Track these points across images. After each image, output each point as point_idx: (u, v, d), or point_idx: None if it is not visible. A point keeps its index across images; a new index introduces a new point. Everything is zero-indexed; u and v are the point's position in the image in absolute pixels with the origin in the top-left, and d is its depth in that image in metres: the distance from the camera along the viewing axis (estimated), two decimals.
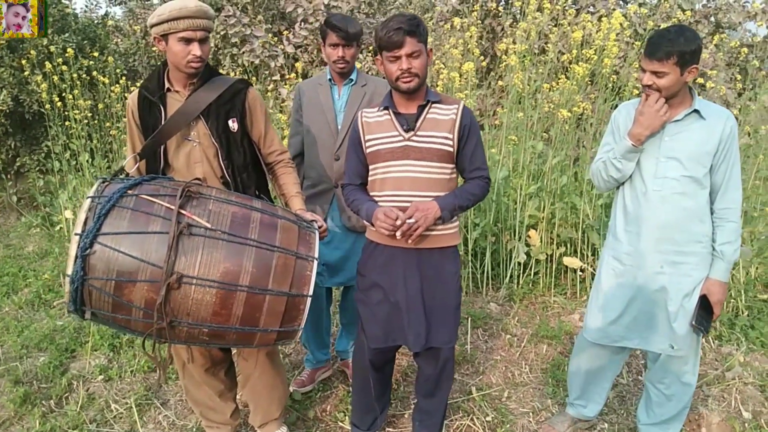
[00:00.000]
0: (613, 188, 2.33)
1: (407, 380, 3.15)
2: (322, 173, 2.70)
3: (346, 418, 2.79)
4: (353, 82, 2.70)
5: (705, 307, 2.19)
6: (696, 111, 2.10)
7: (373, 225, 2.13)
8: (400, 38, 1.99)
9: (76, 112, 5.50)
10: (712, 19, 6.22)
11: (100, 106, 5.84)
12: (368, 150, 2.21)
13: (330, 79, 2.72)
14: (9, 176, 6.86)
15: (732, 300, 3.79)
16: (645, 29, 5.32)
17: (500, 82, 5.46)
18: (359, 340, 2.38)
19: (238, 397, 2.56)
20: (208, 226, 1.74)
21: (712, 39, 5.14)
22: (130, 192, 1.76)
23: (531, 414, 2.85)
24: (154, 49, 7.28)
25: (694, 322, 2.17)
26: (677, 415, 2.44)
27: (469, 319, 3.78)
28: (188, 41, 2.00)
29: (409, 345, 2.24)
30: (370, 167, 2.24)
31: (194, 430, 2.73)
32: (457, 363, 3.31)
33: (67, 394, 3.05)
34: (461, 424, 2.77)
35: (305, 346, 3.17)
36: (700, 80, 3.92)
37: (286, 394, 2.51)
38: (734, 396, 2.96)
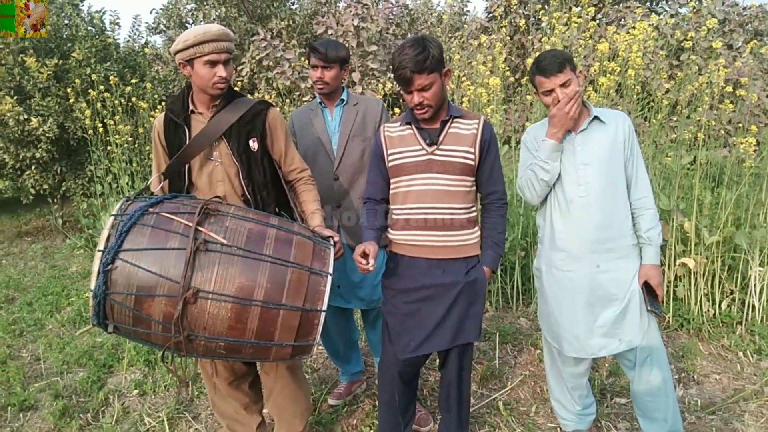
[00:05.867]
0: (543, 196, 2.39)
1: (434, 395, 3.14)
2: (322, 195, 2.60)
3: None
4: (344, 102, 2.75)
5: (649, 292, 2.30)
6: (596, 117, 2.28)
7: None
8: (408, 77, 2.05)
9: (117, 137, 5.73)
10: (749, 27, 6.08)
11: (140, 130, 6.07)
12: (391, 164, 2.27)
13: (321, 103, 2.77)
14: (55, 200, 7.18)
15: None
16: (677, 39, 5.23)
17: (528, 97, 5.45)
18: (386, 353, 2.40)
19: (264, 410, 2.61)
20: (224, 242, 1.80)
21: (747, 47, 5.03)
22: (151, 210, 1.84)
23: (559, 429, 2.80)
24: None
25: (649, 307, 2.27)
26: (675, 414, 2.39)
27: (498, 334, 3.75)
28: (213, 64, 2.09)
29: (435, 348, 2.26)
30: (393, 180, 2.29)
31: None
32: (485, 378, 3.29)
33: (103, 408, 3.16)
34: None
35: (336, 363, 3.21)
36: (729, 89, 3.84)
37: (309, 407, 2.53)
38: None
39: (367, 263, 2.03)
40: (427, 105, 2.11)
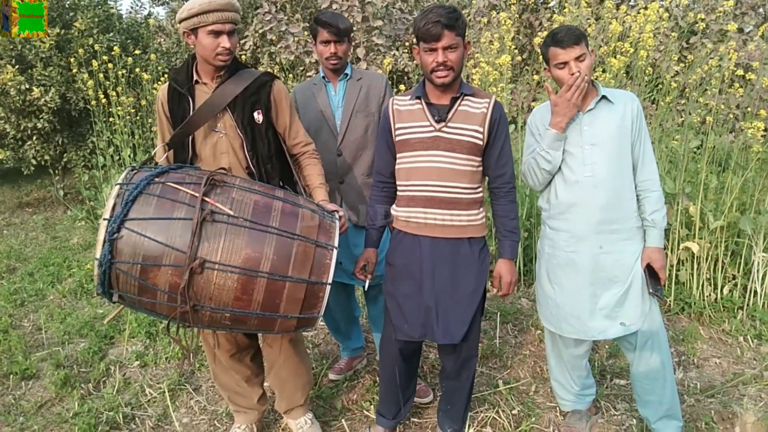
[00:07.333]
0: (546, 183, 2.37)
1: (434, 372, 3.16)
2: (326, 171, 2.52)
3: (372, 407, 2.82)
4: (348, 77, 2.70)
5: (651, 275, 2.28)
6: (604, 97, 2.24)
7: None
8: (438, 31, 2.00)
9: (120, 108, 5.68)
10: (761, 10, 6.00)
11: (143, 102, 6.02)
12: (397, 138, 2.23)
13: (324, 77, 2.72)
14: (56, 171, 7.15)
15: None
16: (687, 22, 5.17)
17: (536, 77, 5.40)
18: (387, 330, 2.40)
19: (265, 383, 2.62)
20: (231, 213, 1.79)
21: (758, 31, 4.97)
22: (157, 179, 1.83)
23: (558, 408, 2.82)
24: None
25: (650, 290, 2.26)
26: (672, 398, 2.39)
27: (499, 314, 3.76)
28: (217, 34, 2.06)
29: (436, 338, 2.24)
30: (399, 155, 2.26)
31: (224, 414, 2.80)
32: (485, 357, 3.30)
33: (104, 379, 3.17)
34: (486, 416, 2.76)
35: (337, 339, 3.22)
36: (740, 72, 3.80)
37: (310, 381, 2.55)
38: None
39: (365, 278, 2.35)
40: (450, 66, 2.06)
